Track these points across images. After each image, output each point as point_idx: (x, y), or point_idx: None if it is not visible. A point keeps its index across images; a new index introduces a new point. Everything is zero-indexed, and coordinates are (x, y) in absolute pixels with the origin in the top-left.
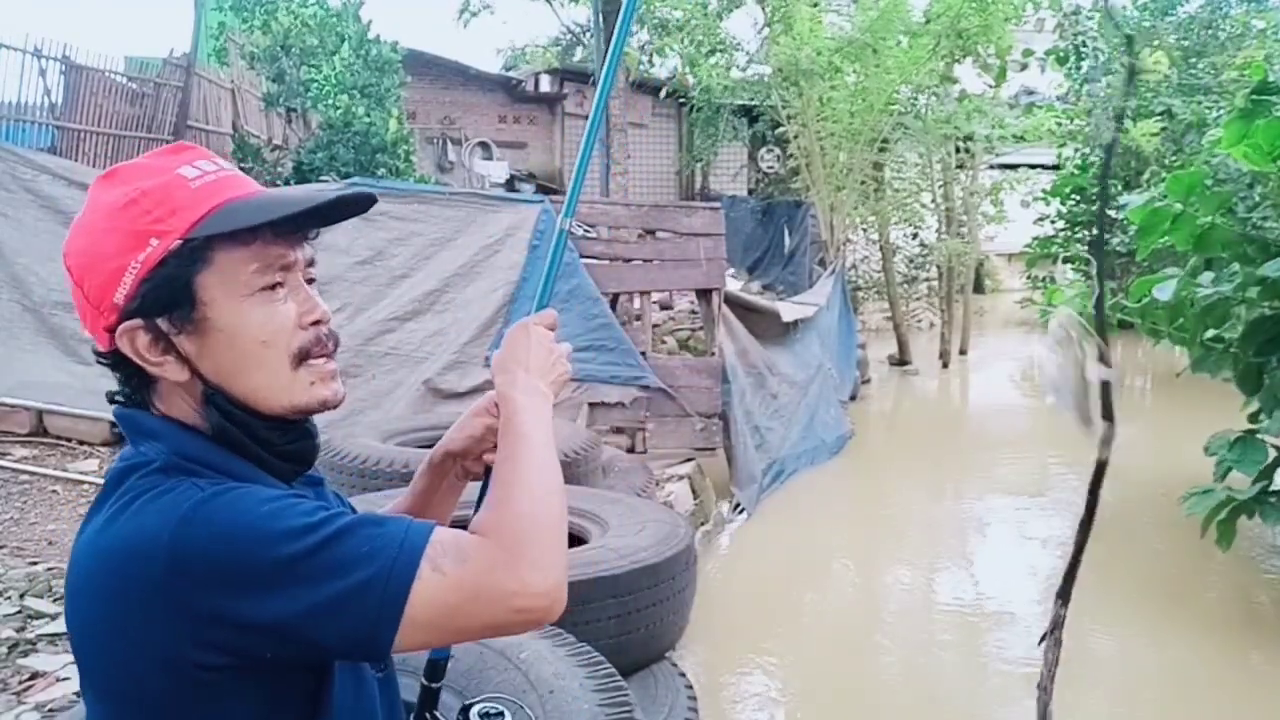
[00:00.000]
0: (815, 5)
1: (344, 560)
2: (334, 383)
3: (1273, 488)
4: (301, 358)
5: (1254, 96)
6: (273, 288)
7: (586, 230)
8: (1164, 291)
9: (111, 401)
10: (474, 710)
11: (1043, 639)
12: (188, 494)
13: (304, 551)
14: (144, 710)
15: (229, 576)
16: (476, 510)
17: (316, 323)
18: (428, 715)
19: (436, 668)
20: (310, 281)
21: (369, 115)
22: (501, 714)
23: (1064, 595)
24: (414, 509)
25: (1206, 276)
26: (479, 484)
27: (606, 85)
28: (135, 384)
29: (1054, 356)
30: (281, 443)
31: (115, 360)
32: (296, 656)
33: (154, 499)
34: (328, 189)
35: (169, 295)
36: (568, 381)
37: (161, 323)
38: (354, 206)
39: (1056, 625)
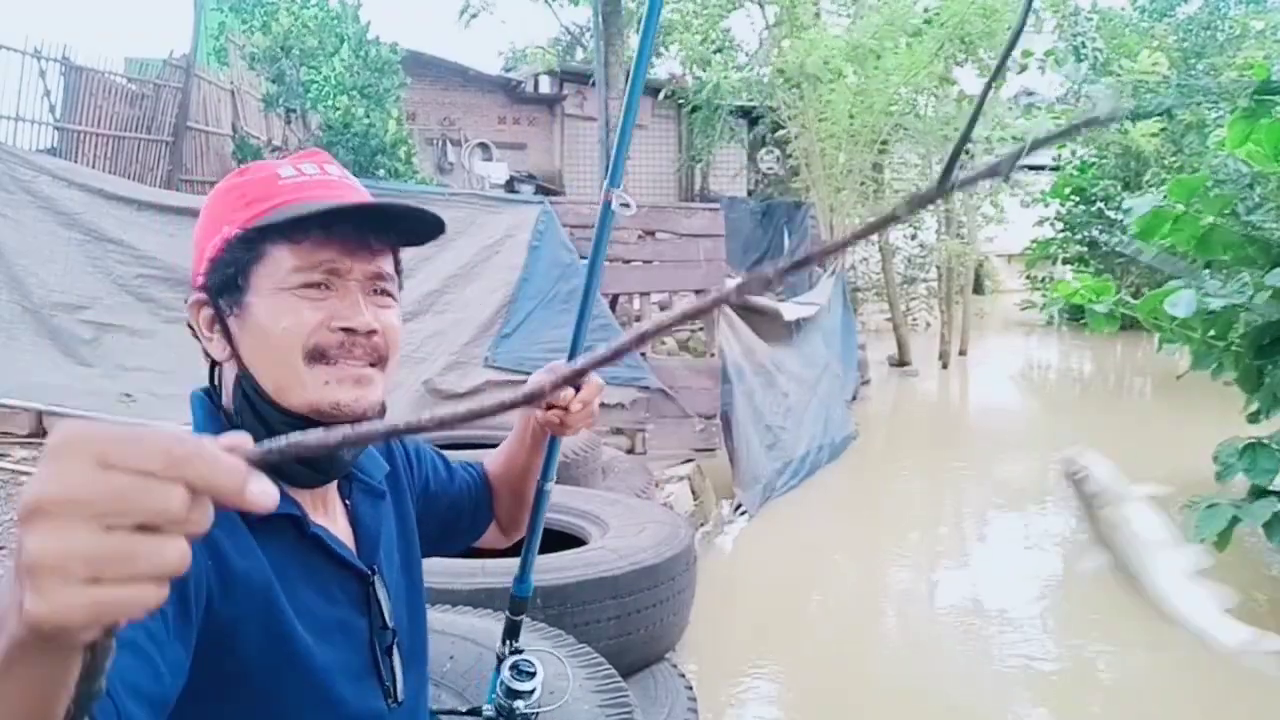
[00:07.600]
0: (815, 9)
1: None
2: (356, 388)
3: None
4: (315, 355)
5: (1258, 96)
6: (314, 287)
7: (624, 204)
8: (1178, 307)
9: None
10: (506, 665)
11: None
12: None
13: None
14: None
15: None
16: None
17: (348, 330)
18: (509, 642)
19: (518, 603)
20: (379, 294)
21: (368, 116)
22: (534, 671)
23: None
24: (500, 449)
25: (1213, 285)
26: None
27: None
28: (210, 363)
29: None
30: None
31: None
32: None
33: None
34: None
35: (226, 279)
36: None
37: (221, 302)
38: (413, 223)
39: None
